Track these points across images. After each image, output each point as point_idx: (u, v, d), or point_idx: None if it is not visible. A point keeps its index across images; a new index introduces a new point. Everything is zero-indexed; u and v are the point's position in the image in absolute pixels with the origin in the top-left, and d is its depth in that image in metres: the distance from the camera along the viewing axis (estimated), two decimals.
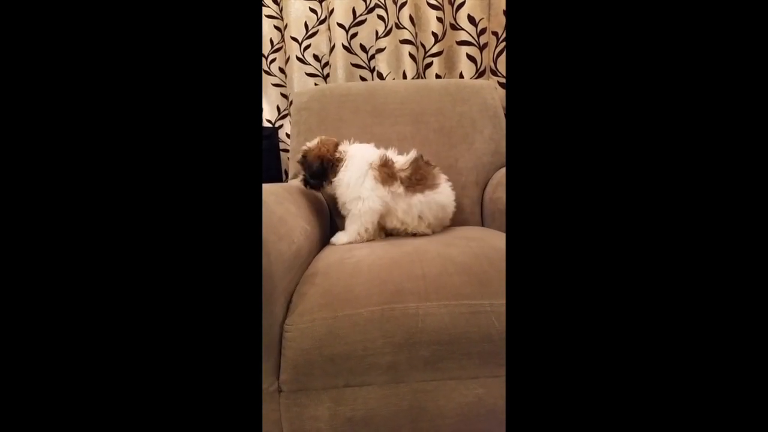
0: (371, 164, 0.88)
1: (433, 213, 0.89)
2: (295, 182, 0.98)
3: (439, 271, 0.65)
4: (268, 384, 0.58)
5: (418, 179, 0.88)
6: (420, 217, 0.89)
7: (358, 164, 0.88)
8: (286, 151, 1.70)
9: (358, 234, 0.87)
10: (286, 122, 1.69)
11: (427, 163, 0.93)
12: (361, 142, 1.03)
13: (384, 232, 0.93)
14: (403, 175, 0.88)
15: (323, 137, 0.95)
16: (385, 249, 0.75)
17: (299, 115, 1.13)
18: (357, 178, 0.87)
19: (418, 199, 0.87)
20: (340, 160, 0.90)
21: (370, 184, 0.87)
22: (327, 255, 0.78)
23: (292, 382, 0.58)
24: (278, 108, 1.68)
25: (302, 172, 0.94)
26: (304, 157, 0.92)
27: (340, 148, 0.92)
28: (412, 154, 0.92)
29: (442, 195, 0.90)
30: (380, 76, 1.41)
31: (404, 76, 1.37)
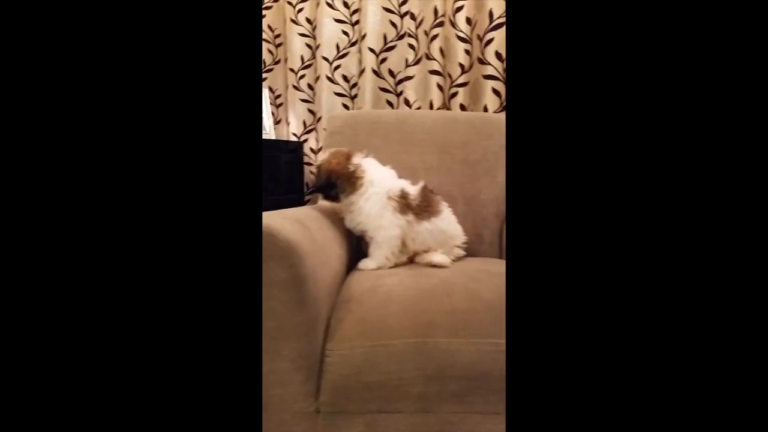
0: (390, 196, 0.93)
1: (435, 239, 0.95)
2: (325, 203, 1.03)
3: (467, 306, 0.70)
4: (307, 404, 0.63)
5: (424, 207, 0.95)
6: (422, 243, 0.95)
7: (378, 194, 0.93)
8: (310, 164, 1.76)
9: (386, 258, 0.93)
10: (311, 137, 1.75)
11: (431, 191, 1.00)
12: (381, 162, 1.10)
13: (405, 256, 0.98)
14: (414, 204, 0.95)
15: (335, 149, 1.00)
16: (414, 279, 0.80)
17: (332, 138, 1.19)
18: (378, 209, 0.92)
19: (425, 226, 0.94)
20: (353, 174, 0.94)
21: (389, 214, 0.92)
22: (358, 281, 0.83)
23: (331, 404, 0.63)
24: (304, 123, 1.73)
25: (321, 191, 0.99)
26: (318, 169, 0.98)
27: (353, 160, 0.95)
28: (420, 183, 0.98)
29: (444, 221, 0.96)
30: (407, 103, 1.47)
31: (431, 105, 1.43)
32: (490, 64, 1.38)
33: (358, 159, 0.96)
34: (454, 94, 1.42)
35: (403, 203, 0.93)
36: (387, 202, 0.92)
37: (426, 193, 0.97)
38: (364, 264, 0.94)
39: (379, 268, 0.92)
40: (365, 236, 0.95)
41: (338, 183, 0.93)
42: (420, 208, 0.94)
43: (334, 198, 0.97)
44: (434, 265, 0.89)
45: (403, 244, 0.95)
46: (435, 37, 1.39)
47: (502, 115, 1.31)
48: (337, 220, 0.98)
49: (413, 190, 0.96)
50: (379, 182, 0.94)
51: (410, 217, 0.93)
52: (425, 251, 0.95)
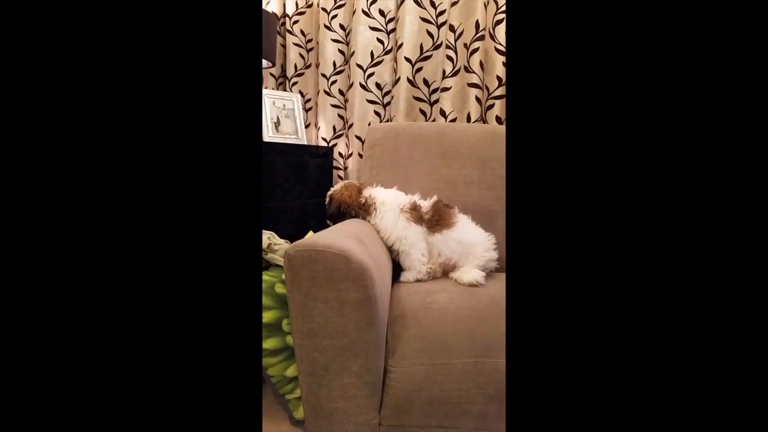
0: (401, 208, 0.99)
1: (453, 250, 0.97)
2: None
3: None
4: (370, 418, 0.65)
5: (437, 220, 0.99)
6: (439, 254, 0.98)
7: (389, 210, 1.00)
8: (339, 168, 1.78)
9: (421, 264, 0.97)
10: (340, 142, 1.77)
11: (447, 206, 1.03)
12: (425, 182, 1.14)
13: (439, 269, 1.00)
14: (426, 217, 0.99)
15: (348, 181, 1.10)
16: (464, 298, 0.82)
17: (372, 150, 1.21)
18: (392, 222, 0.99)
19: (437, 238, 0.97)
20: (364, 204, 1.02)
21: (403, 224, 0.98)
22: (407, 296, 0.85)
23: (392, 418, 0.66)
24: (334, 128, 1.76)
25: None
26: (329, 198, 1.06)
27: (364, 193, 1.04)
28: (434, 198, 1.04)
29: (458, 232, 0.99)
30: (442, 113, 1.49)
31: (468, 118, 1.45)
32: None
33: (368, 191, 1.05)
34: (491, 106, 1.44)
35: (416, 214, 0.99)
36: (400, 215, 0.99)
37: (438, 207, 1.01)
38: (404, 277, 0.97)
39: (418, 280, 0.96)
40: (393, 249, 0.99)
41: (348, 212, 1.03)
42: (432, 221, 0.99)
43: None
44: (469, 285, 0.91)
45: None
46: (476, 50, 1.40)
47: None
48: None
49: (425, 203, 1.02)
50: (390, 200, 1.02)
51: (423, 228, 0.98)
52: (453, 265, 0.97)
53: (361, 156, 1.62)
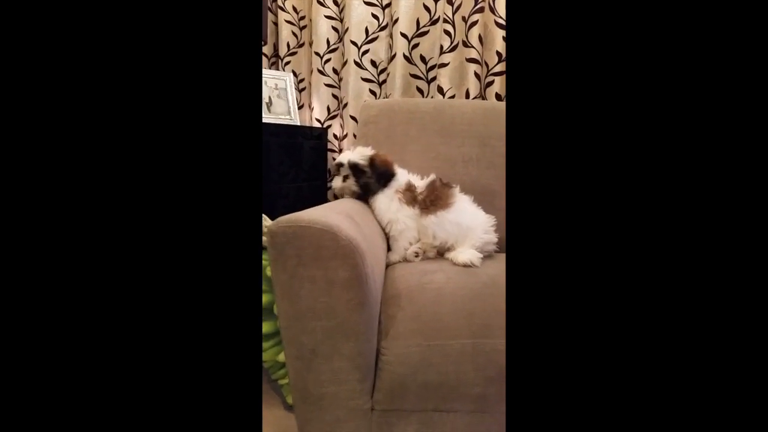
0: (397, 189, 0.96)
1: (446, 232, 0.92)
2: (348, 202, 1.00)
3: None
4: (363, 402, 0.62)
5: (431, 201, 0.95)
6: (434, 237, 0.93)
7: (385, 190, 0.96)
8: (333, 151, 1.73)
9: (404, 249, 0.94)
10: (335, 122, 1.71)
11: (446, 184, 0.98)
12: (422, 161, 1.09)
13: (432, 250, 0.96)
14: (420, 198, 0.95)
15: (360, 147, 1.02)
16: (462, 278, 0.79)
17: (366, 128, 1.16)
18: (386, 204, 0.95)
19: (431, 220, 0.92)
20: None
21: (396, 206, 0.94)
22: (402, 276, 0.81)
23: (386, 402, 0.62)
24: (329, 108, 1.70)
25: (357, 178, 0.96)
26: (371, 160, 0.96)
27: None
28: (431, 177, 0.99)
29: (455, 213, 0.93)
30: (440, 90, 1.43)
31: (467, 94, 1.39)
32: None
33: None
34: (490, 83, 1.38)
35: (409, 195, 0.95)
36: (394, 196, 0.95)
37: (435, 186, 0.97)
38: (388, 258, 0.93)
39: (403, 261, 0.93)
40: (384, 231, 0.96)
41: (387, 175, 0.96)
42: (426, 201, 0.94)
43: (370, 191, 0.97)
44: (464, 265, 0.86)
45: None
46: (474, 23, 1.34)
47: None
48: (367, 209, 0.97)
49: (421, 183, 0.98)
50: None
51: (416, 210, 0.94)
52: (449, 248, 0.93)
53: (356, 137, 1.57)
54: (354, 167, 0.96)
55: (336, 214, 0.64)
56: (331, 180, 1.70)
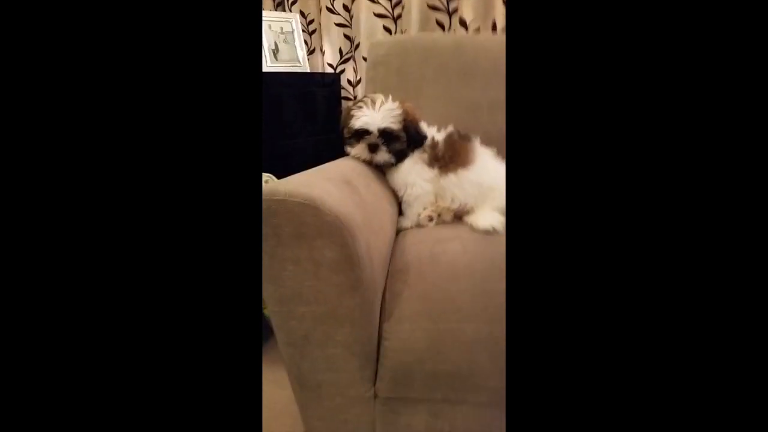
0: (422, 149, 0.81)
1: (466, 193, 0.80)
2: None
3: None
4: (364, 390, 0.56)
5: (450, 157, 0.81)
6: (452, 199, 0.81)
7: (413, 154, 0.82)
8: (348, 99, 1.59)
9: (417, 215, 0.82)
10: (348, 66, 1.56)
11: (464, 136, 0.84)
12: (441, 107, 0.94)
13: (449, 214, 0.84)
14: (439, 155, 0.81)
15: (371, 95, 0.83)
16: (481, 248, 0.68)
17: (375, 71, 1.01)
18: (410, 167, 0.81)
19: (450, 180, 0.80)
20: None
21: (418, 168, 0.81)
22: (413, 245, 0.71)
23: (389, 390, 0.56)
24: (341, 51, 1.54)
25: (389, 146, 0.79)
26: (404, 121, 0.79)
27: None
28: (448, 129, 0.85)
29: (475, 171, 0.80)
30: (463, 24, 1.24)
31: (494, 27, 1.19)
32: None
33: None
34: None
35: (432, 155, 0.81)
36: (419, 159, 0.81)
37: (452, 142, 0.82)
38: (400, 223, 0.82)
39: (416, 226, 0.81)
40: (398, 194, 0.83)
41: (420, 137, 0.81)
42: (445, 159, 0.81)
43: (399, 158, 0.81)
44: (485, 231, 0.74)
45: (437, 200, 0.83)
46: None
47: None
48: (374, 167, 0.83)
49: (438, 136, 0.83)
50: None
51: (435, 171, 0.81)
52: (468, 210, 0.81)
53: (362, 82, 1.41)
54: (386, 134, 0.78)
55: (325, 181, 0.54)
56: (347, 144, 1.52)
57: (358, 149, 0.80)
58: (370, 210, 0.62)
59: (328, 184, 0.53)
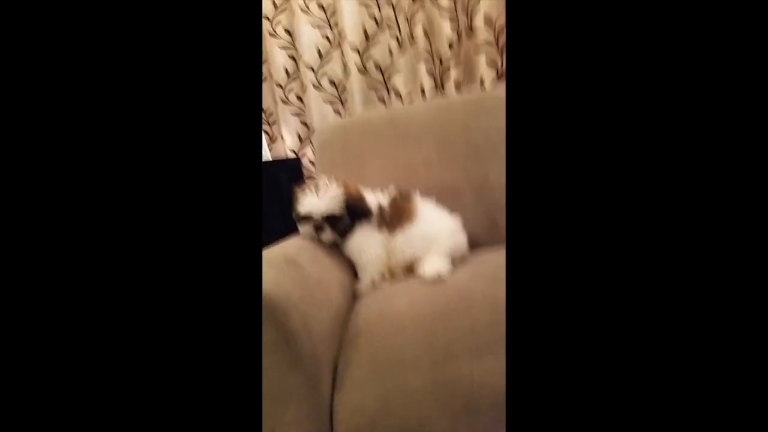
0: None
1: (417, 247, 0.84)
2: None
3: (489, 319, 0.61)
4: None
5: (396, 217, 0.87)
6: (403, 255, 0.85)
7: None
8: (312, 178, 1.70)
9: (373, 281, 0.85)
10: (308, 149, 1.68)
11: (405, 195, 0.92)
12: (382, 172, 1.03)
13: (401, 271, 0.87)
14: (387, 218, 0.88)
15: (321, 180, 0.89)
16: (427, 296, 0.71)
17: (323, 154, 1.11)
18: (363, 238, 0.86)
19: (398, 240, 0.85)
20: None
21: (367, 235, 0.86)
22: (366, 307, 0.74)
23: None
24: (299, 136, 1.67)
25: (334, 227, 0.84)
26: (348, 200, 0.84)
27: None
28: (390, 189, 0.93)
29: (420, 225, 0.86)
30: (398, 95, 1.37)
31: (423, 91, 1.33)
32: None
33: None
34: (447, 76, 1.31)
35: (380, 219, 0.87)
36: (366, 224, 0.87)
37: (395, 203, 0.89)
38: (357, 289, 0.86)
39: (373, 288, 0.84)
40: (352, 260, 0.88)
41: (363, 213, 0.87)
42: (392, 220, 0.87)
43: (342, 234, 0.86)
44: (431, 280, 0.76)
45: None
46: (417, 20, 1.28)
47: (501, 90, 1.19)
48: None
49: (382, 199, 0.90)
50: None
51: (385, 232, 0.87)
52: (418, 259, 0.84)
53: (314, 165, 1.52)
54: (329, 218, 0.83)
55: (263, 264, 0.60)
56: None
57: (305, 230, 0.86)
58: (313, 284, 0.66)
59: (264, 266, 0.58)
